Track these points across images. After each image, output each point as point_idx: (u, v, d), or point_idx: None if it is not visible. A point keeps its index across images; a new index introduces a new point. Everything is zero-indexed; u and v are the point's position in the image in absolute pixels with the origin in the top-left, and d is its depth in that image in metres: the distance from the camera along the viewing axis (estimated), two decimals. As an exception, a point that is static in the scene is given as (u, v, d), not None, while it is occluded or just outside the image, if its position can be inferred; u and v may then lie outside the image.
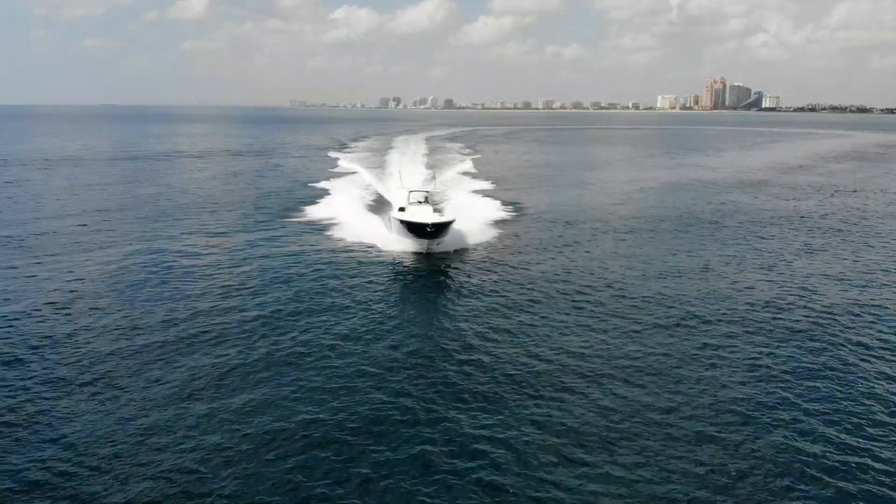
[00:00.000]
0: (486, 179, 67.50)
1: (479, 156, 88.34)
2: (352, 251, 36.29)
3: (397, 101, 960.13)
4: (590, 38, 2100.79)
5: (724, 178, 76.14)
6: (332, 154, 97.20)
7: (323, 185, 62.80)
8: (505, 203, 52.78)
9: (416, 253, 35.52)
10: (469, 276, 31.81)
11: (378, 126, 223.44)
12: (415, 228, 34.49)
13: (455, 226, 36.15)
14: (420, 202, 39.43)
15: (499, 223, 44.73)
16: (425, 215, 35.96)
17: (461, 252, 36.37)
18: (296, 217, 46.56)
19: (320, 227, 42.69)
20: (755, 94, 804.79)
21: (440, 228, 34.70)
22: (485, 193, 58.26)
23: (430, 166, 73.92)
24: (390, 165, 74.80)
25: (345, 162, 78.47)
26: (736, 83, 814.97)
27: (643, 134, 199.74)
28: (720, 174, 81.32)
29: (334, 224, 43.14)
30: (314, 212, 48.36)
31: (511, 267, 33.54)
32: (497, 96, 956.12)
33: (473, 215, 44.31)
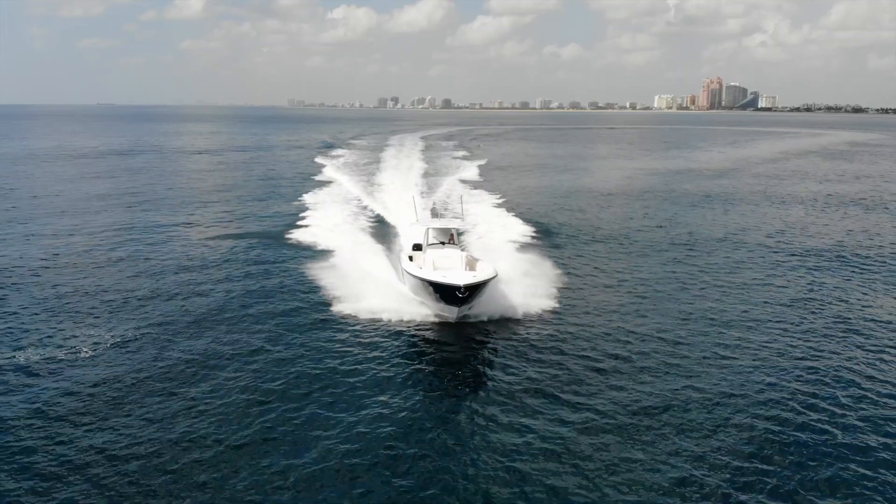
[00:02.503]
0: (495, 187, 61.92)
1: (483, 161, 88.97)
2: (345, 312, 25.61)
3: (395, 100, 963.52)
4: (588, 37, 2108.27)
5: (695, 168, 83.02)
6: (330, 161, 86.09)
7: (310, 200, 52.85)
8: (532, 228, 42.09)
9: (439, 320, 24.94)
10: (520, 365, 21.55)
11: (377, 125, 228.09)
12: (440, 291, 23.68)
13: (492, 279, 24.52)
14: (443, 243, 28.93)
15: (536, 260, 32.65)
16: (454, 269, 25.21)
17: (502, 320, 25.29)
18: (278, 249, 36.17)
19: (302, 266, 31.85)
20: (751, 94, 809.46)
21: (476, 290, 23.54)
22: (499, 206, 50.75)
23: (439, 174, 69.99)
24: (391, 171, 72.21)
25: (339, 174, 70.17)
26: (732, 83, 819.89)
27: (638, 134, 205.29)
28: (693, 164, 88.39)
29: (324, 264, 31.44)
30: (299, 240, 38.04)
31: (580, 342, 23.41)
32: (495, 96, 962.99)
33: (503, 248, 34.20)
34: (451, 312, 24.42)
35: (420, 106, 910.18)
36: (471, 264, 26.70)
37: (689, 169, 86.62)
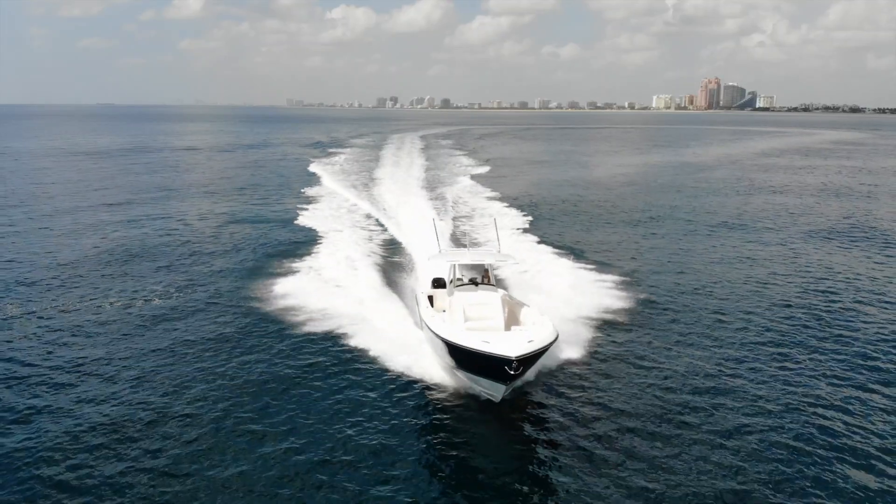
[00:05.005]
0: (499, 185, 62.46)
1: (486, 159, 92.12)
2: (350, 367, 20.70)
3: (394, 100, 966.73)
4: (586, 37, 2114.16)
5: (685, 164, 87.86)
6: (332, 160, 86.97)
7: (313, 194, 55.34)
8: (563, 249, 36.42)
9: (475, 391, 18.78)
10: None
11: (377, 125, 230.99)
12: (483, 363, 17.15)
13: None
14: (475, 282, 22.36)
15: (580, 280, 29.78)
16: (491, 320, 19.94)
17: (553, 378, 19.95)
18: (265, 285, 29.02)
19: (297, 313, 25.29)
20: (749, 94, 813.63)
21: (530, 362, 17.20)
22: (505, 204, 50.53)
23: (442, 173, 70.17)
24: (393, 168, 72.89)
25: (340, 174, 69.30)
26: (730, 83, 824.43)
27: (631, 134, 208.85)
28: (682, 161, 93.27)
29: (324, 306, 25.42)
30: (290, 279, 29.86)
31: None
32: (494, 96, 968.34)
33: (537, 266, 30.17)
34: (494, 391, 17.52)
35: (419, 106, 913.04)
36: (513, 312, 20.89)
37: (682, 164, 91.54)
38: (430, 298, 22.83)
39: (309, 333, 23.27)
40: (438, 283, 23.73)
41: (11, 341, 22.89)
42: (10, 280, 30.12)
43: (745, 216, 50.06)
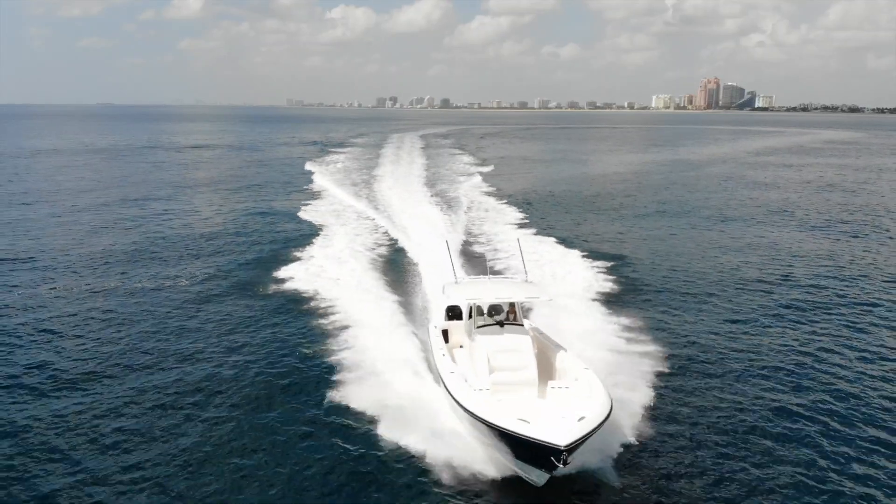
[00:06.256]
0: (503, 186, 63.25)
1: (487, 158, 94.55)
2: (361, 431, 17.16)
3: (394, 100, 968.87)
4: (586, 37, 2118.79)
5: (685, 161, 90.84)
6: (335, 159, 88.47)
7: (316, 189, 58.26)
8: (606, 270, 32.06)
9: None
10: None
11: (377, 125, 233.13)
12: (522, 448, 13.68)
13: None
14: (501, 323, 18.44)
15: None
16: (528, 384, 16.46)
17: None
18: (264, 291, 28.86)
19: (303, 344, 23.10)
20: (748, 94, 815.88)
21: (578, 445, 13.35)
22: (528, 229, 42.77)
23: (443, 174, 70.12)
24: (396, 168, 74.52)
25: (342, 173, 70.15)
26: (730, 83, 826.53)
27: (633, 134, 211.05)
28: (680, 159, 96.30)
29: (336, 340, 22.72)
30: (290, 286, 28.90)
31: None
32: (493, 96, 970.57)
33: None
34: (537, 477, 14.22)
35: (419, 106, 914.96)
36: (545, 357, 17.85)
37: (677, 162, 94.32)
38: (445, 333, 19.83)
39: (312, 315, 25.51)
40: (454, 313, 20.31)
41: (55, 318, 25.41)
42: (48, 267, 32.72)
43: (730, 210, 52.51)
